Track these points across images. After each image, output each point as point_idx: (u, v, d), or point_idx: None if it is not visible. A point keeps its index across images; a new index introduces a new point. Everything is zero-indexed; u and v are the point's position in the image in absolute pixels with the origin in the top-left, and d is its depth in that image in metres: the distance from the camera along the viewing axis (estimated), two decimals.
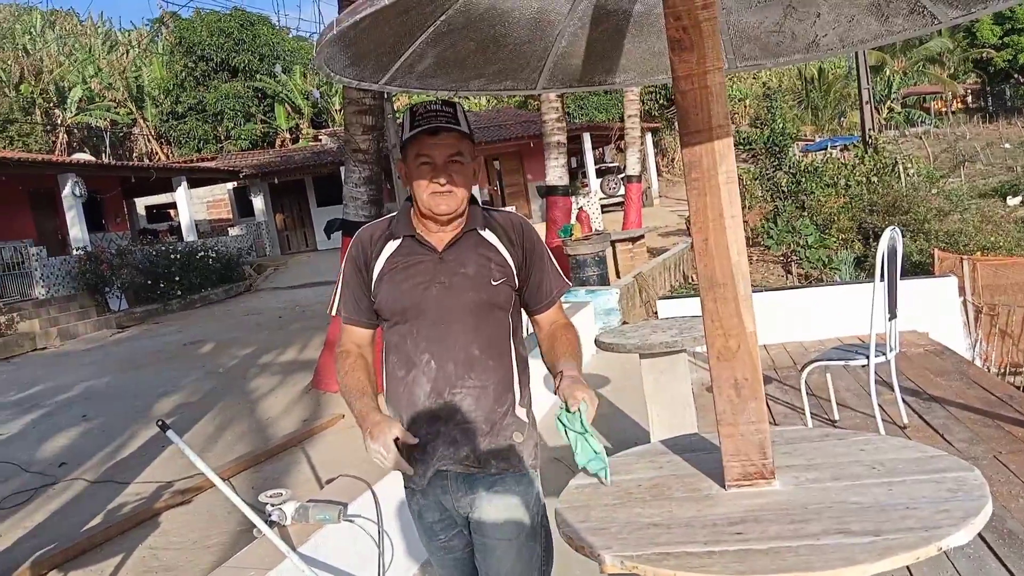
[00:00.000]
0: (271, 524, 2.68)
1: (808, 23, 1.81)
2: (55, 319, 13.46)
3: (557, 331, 1.85)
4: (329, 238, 20.93)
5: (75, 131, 29.35)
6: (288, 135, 31.39)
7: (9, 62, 28.48)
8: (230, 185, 25.59)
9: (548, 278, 1.85)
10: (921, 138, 28.05)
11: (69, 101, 28.87)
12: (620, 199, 23.37)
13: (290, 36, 35.17)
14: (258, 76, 30.95)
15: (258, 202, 24.63)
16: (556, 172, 11.04)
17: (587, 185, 24.59)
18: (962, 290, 7.48)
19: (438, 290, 1.74)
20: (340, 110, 28.86)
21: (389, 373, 1.82)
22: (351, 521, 2.83)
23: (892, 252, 3.70)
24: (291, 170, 23.90)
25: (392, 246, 1.78)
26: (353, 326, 1.84)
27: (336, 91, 29.27)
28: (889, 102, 32.36)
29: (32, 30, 33.97)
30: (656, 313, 7.72)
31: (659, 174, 30.57)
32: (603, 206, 23.54)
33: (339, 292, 1.83)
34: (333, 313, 1.51)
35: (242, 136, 30.71)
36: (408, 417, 1.79)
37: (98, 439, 6.55)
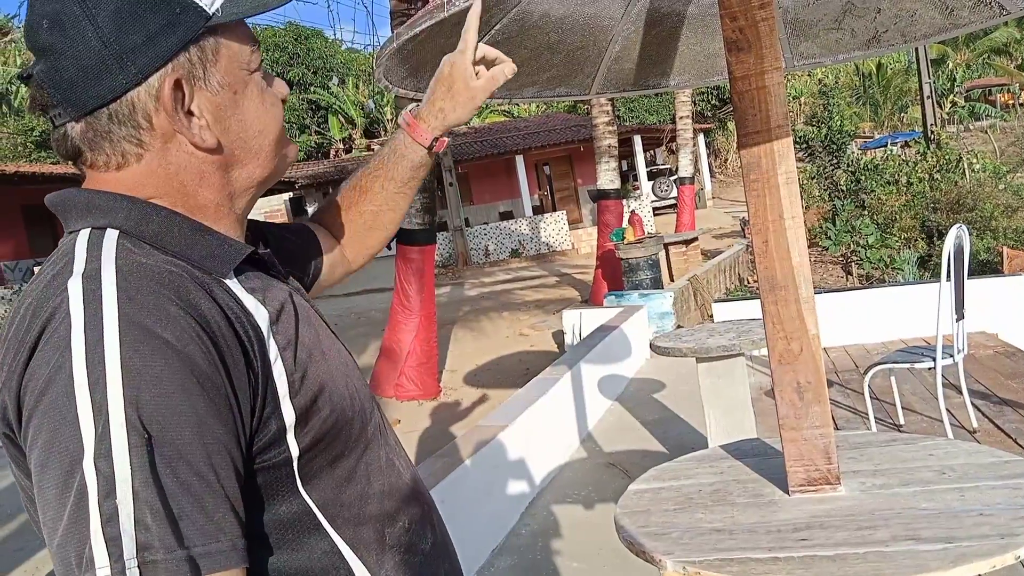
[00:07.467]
0: None
1: (868, 19, 1.78)
2: None
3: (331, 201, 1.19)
4: None
5: None
6: (342, 145, 31.99)
7: None
8: (286, 195, 26.19)
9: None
10: (987, 132, 27.09)
11: None
12: (672, 201, 23.17)
13: (343, 48, 35.89)
14: (312, 88, 31.64)
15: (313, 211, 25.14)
16: (607, 176, 10.99)
17: (639, 188, 24.44)
18: None
19: (338, 350, 0.90)
20: (392, 119, 29.30)
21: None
22: None
23: (959, 250, 3.59)
24: (345, 179, 24.34)
25: (243, 294, 0.77)
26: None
27: (388, 100, 29.72)
28: (952, 96, 31.32)
29: None
30: (711, 316, 7.62)
31: (712, 175, 30.20)
32: (655, 209, 23.37)
33: (189, 502, 0.62)
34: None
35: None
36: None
37: None
